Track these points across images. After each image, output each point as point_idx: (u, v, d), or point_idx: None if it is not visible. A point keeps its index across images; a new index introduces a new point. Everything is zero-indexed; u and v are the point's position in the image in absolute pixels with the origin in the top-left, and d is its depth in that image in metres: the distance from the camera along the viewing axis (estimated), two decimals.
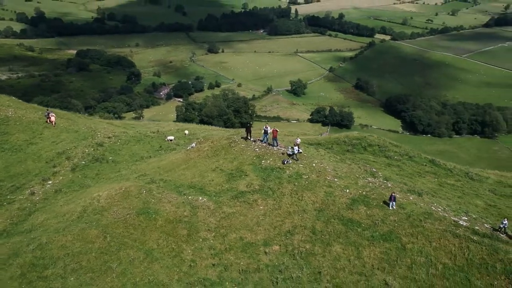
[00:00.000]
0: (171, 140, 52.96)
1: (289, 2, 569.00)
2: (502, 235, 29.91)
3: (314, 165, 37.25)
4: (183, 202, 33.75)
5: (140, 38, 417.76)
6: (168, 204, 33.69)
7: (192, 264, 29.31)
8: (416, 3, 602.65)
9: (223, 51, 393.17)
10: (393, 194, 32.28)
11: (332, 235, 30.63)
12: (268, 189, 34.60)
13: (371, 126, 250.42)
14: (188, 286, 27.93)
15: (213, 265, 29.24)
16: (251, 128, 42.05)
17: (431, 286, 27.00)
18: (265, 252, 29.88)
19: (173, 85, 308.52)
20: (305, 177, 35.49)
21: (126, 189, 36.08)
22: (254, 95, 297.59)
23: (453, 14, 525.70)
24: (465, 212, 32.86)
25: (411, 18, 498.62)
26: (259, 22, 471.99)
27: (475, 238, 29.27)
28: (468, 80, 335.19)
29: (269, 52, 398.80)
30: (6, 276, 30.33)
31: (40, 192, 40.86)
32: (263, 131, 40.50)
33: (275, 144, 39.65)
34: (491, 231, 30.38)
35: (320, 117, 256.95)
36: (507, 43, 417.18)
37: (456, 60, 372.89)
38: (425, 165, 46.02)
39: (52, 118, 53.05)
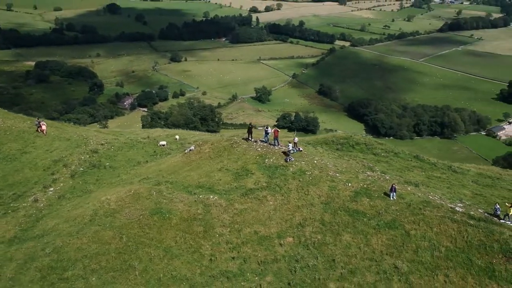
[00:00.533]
0: (163, 145, 53.90)
1: (249, 10, 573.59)
2: (495, 219, 32.63)
3: (315, 161, 39.28)
4: (195, 201, 35.03)
5: (101, 48, 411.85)
6: (181, 204, 34.89)
7: (212, 258, 30.67)
8: (373, 10, 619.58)
9: (186, 60, 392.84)
10: (393, 185, 34.64)
11: (340, 225, 32.64)
12: (275, 185, 36.34)
13: (336, 130, 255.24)
14: (211, 278, 29.28)
15: (233, 258, 30.70)
16: (252, 129, 43.80)
17: (437, 267, 29.31)
18: (280, 244, 31.58)
19: (137, 95, 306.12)
20: (308, 173, 37.42)
21: (135, 191, 37.03)
22: (219, 103, 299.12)
23: (408, 20, 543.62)
24: (459, 200, 35.56)
25: (369, 24, 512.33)
26: (221, 30, 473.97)
27: (471, 222, 31.87)
28: (426, 83, 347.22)
29: (233, 60, 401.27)
30: (26, 280, 30.88)
31: (43, 199, 41.13)
32: (264, 131, 42.32)
33: (276, 143, 41.44)
34: (485, 215, 33.08)
35: (286, 123, 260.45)
36: (460, 47, 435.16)
37: (413, 64, 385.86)
38: (411, 160, 48.84)
39: (43, 127, 53.07)
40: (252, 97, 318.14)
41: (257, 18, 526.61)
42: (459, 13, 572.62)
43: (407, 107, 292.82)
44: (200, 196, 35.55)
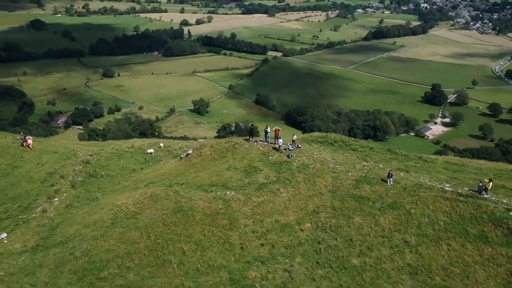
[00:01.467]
0: (151, 153, 55.31)
1: (181, 24, 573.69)
2: (480, 195, 37.68)
3: (315, 156, 42.93)
4: (213, 197, 37.43)
5: (27, 66, 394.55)
6: (200, 201, 37.12)
7: (242, 247, 33.27)
8: (301, 21, 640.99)
9: (119, 75, 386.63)
10: (390, 172, 38.93)
11: (350, 210, 36.37)
12: (284, 179, 39.49)
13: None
14: (246, 264, 31.88)
15: (261, 244, 33.48)
16: (254, 130, 46.89)
17: (439, 238, 33.68)
18: (301, 230, 34.75)
19: (71, 112, 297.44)
20: (311, 166, 40.95)
21: (151, 193, 38.76)
22: (157, 116, 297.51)
23: (335, 30, 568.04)
24: (445, 181, 40.45)
25: (299, 35, 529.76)
26: (153, 44, 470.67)
27: (461, 199, 36.66)
28: (356, 89, 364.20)
29: (167, 73, 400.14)
30: (63, 282, 31.96)
31: (51, 209, 41.69)
32: (264, 132, 45.42)
33: (277, 142, 44.56)
34: (471, 192, 38.08)
35: (226, 133, 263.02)
36: (385, 54, 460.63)
37: (343, 72, 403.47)
38: (385, 153, 53.74)
39: (29, 141, 52.98)
40: (190, 110, 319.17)
41: (188, 31, 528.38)
42: (381, 22, 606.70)
43: (341, 112, 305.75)
44: (218, 193, 38.01)
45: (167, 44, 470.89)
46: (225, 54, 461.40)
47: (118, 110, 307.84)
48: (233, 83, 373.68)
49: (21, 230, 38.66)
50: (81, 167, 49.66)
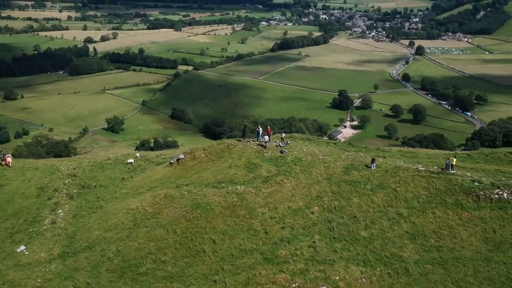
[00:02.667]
0: (131, 162, 56.78)
1: (85, 41, 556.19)
2: (447, 171, 44.72)
3: (305, 150, 47.89)
4: (227, 192, 40.89)
5: None
6: (215, 196, 40.39)
7: (266, 231, 37.25)
8: (209, 34, 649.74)
9: (23, 97, 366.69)
10: (373, 158, 44.90)
11: (346, 192, 41.72)
12: (284, 171, 43.87)
13: None
14: (274, 245, 35.92)
15: (282, 228, 37.64)
16: (246, 131, 50.87)
17: (425, 209, 39.98)
18: (312, 213, 39.39)
19: None
20: (304, 159, 45.81)
21: (165, 194, 41.36)
22: (70, 137, 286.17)
23: (243, 43, 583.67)
24: (416, 163, 47.20)
25: (207, 48, 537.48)
26: (57, 63, 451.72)
27: (434, 175, 43.39)
28: (269, 98, 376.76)
29: (75, 92, 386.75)
30: (105, 281, 34.13)
31: (59, 220, 42.47)
32: (256, 132, 49.51)
33: (268, 140, 48.72)
34: (440, 169, 45.03)
35: (145, 149, 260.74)
36: (292, 64, 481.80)
37: (255, 82, 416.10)
38: (348, 146, 59.88)
39: (8, 159, 52.44)
40: (104, 129, 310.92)
41: (94, 48, 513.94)
42: (285, 33, 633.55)
43: (258, 122, 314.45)
44: (229, 188, 41.45)
45: (73, 62, 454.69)
46: (134, 70, 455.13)
47: (26, 133, 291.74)
48: (146, 98, 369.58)
49: (38, 241, 39.31)
50: (70, 180, 50.29)
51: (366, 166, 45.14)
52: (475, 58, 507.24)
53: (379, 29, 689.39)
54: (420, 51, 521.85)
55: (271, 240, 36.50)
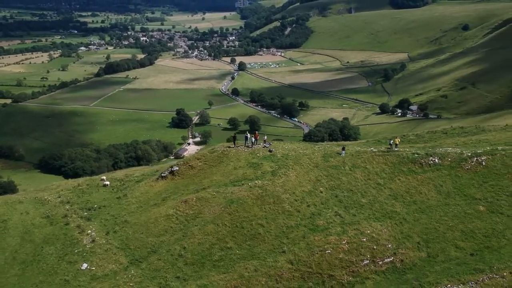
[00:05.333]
0: (107, 184, 58.47)
1: None
2: (393, 149, 58.45)
3: (287, 147, 57.09)
4: (250, 187, 48.13)
5: None
6: (242, 192, 47.35)
7: (298, 210, 45.98)
8: (23, 63, 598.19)
9: None
10: (344, 146, 56.43)
11: (334, 174, 52.50)
12: (282, 165, 52.57)
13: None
14: (309, 219, 45.05)
15: (308, 206, 46.67)
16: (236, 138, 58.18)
17: (392, 177, 52.78)
18: (320, 192, 49.00)
19: None
20: (290, 154, 55.13)
21: (197, 197, 47.04)
22: None
23: (64, 70, 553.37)
24: (369, 147, 60.07)
25: (25, 78, 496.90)
26: None
27: (386, 153, 56.63)
28: (104, 123, 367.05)
29: None
30: (191, 272, 39.28)
31: (96, 239, 44.52)
32: (244, 137, 57.04)
33: (255, 143, 56.59)
34: (387, 149, 58.56)
35: None
36: (122, 87, 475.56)
37: (86, 109, 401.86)
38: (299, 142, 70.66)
39: None
40: None
41: None
42: (108, 57, 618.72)
43: (100, 150, 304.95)
44: (249, 184, 48.64)
45: None
46: None
47: None
48: None
49: (96, 258, 41.55)
50: (69, 206, 51.17)
51: (337, 153, 56.55)
52: (289, 69, 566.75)
53: (201, 48, 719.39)
54: (242, 66, 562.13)
55: (305, 216, 45.29)
